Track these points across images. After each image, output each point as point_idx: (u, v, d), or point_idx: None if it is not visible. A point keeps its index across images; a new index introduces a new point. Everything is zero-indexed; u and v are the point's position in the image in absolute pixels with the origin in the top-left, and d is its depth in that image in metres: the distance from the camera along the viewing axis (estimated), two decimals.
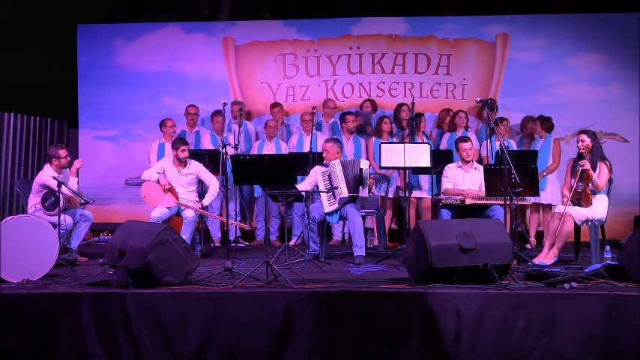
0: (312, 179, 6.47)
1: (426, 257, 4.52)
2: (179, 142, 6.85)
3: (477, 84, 8.46)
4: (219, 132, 7.78)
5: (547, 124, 7.46)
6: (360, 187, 6.25)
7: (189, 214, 6.54)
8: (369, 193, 6.40)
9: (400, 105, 7.92)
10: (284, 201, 6.72)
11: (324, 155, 6.55)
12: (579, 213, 5.83)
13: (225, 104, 6.51)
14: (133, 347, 4.34)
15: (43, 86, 8.40)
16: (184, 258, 4.78)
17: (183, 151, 6.73)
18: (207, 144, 7.90)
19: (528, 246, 7.01)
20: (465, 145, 6.64)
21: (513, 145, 7.60)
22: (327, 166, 6.40)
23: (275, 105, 8.26)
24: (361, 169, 6.27)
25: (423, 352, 4.26)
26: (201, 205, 6.73)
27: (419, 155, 6.32)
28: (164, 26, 8.80)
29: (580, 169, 5.79)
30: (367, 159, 7.62)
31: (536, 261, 5.79)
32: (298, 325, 4.32)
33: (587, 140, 5.87)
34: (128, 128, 8.80)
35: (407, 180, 6.61)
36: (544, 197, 7.31)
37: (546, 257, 5.81)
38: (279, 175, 5.18)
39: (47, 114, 9.01)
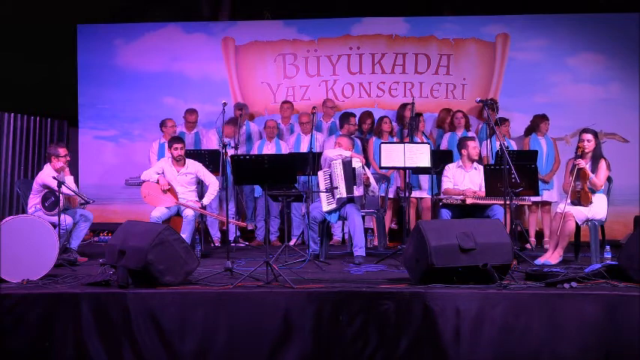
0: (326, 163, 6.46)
1: (426, 257, 4.52)
2: (172, 140, 6.87)
3: (477, 84, 8.46)
4: (230, 135, 7.63)
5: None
6: (354, 186, 6.25)
7: (189, 212, 6.54)
8: (367, 189, 6.37)
9: (405, 104, 7.92)
10: (284, 201, 6.71)
11: (336, 148, 6.56)
12: (580, 212, 5.84)
13: (225, 104, 6.50)
14: (133, 347, 4.34)
15: (43, 86, 8.41)
16: (184, 258, 4.78)
17: (176, 149, 6.72)
18: (211, 144, 7.89)
19: (528, 246, 7.02)
20: (473, 144, 6.65)
21: (513, 145, 7.60)
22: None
23: (285, 102, 8.30)
24: (353, 169, 6.27)
25: (422, 352, 4.26)
26: (201, 204, 6.73)
27: (419, 155, 6.32)
28: (164, 26, 8.80)
29: (576, 168, 5.80)
30: (366, 159, 7.65)
31: (541, 260, 5.80)
32: (298, 325, 4.32)
33: (593, 140, 5.89)
34: (128, 128, 8.80)
35: (407, 180, 6.61)
36: (546, 195, 7.35)
37: (551, 257, 5.83)
38: (279, 175, 5.18)
39: (47, 114, 9.02)
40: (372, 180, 6.41)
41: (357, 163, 6.33)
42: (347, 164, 6.26)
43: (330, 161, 6.36)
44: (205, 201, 6.79)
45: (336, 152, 6.42)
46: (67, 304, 4.42)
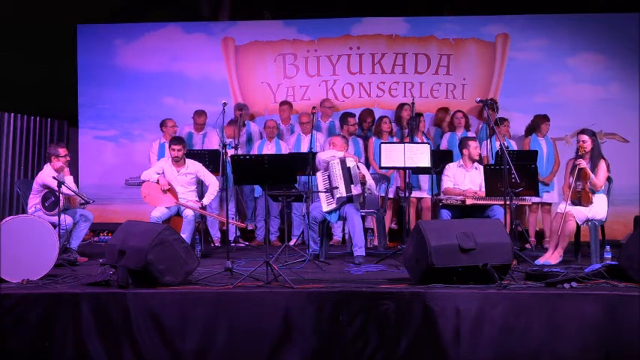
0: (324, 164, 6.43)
1: (426, 257, 4.52)
2: (172, 141, 6.88)
3: (477, 84, 8.46)
4: (231, 135, 7.61)
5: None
6: (352, 185, 6.25)
7: (189, 213, 6.54)
8: (364, 187, 6.37)
9: (402, 105, 7.93)
10: (284, 201, 6.71)
11: (330, 148, 6.54)
12: (580, 212, 5.85)
13: (225, 104, 6.50)
14: (133, 347, 4.34)
15: (43, 86, 8.41)
16: (184, 258, 4.78)
17: (174, 150, 6.73)
18: (208, 144, 7.90)
19: (528, 246, 7.01)
20: (474, 144, 6.67)
21: (513, 145, 7.60)
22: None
23: (284, 102, 8.28)
24: (349, 168, 6.27)
25: (422, 352, 4.26)
26: (201, 204, 6.73)
27: (419, 155, 6.32)
28: (164, 26, 8.80)
29: (577, 168, 5.81)
30: (367, 159, 7.66)
31: (541, 260, 5.81)
32: (298, 325, 4.32)
33: (589, 141, 5.90)
34: (128, 128, 8.80)
35: (407, 180, 6.61)
36: (546, 197, 7.35)
37: (552, 257, 5.83)
38: (279, 175, 5.18)
39: (47, 114, 9.02)
40: (368, 178, 6.40)
41: (350, 162, 6.33)
42: (343, 163, 6.27)
43: (323, 163, 6.36)
44: (205, 201, 6.79)
45: (328, 154, 6.42)
46: (67, 304, 4.42)
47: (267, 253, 5.02)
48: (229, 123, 7.67)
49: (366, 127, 8.07)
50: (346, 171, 6.22)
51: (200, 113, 8.09)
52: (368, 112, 8.15)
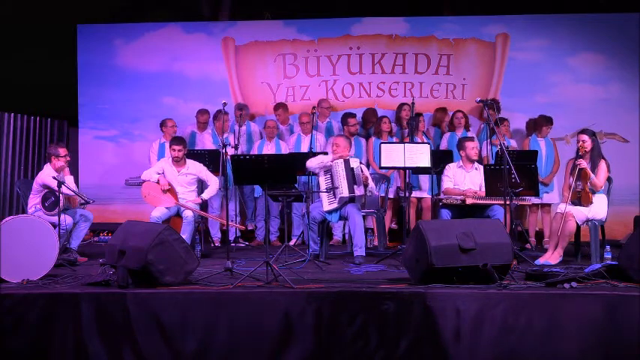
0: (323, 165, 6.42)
1: (426, 257, 4.52)
2: (172, 141, 6.88)
3: (477, 84, 8.46)
4: (220, 132, 7.74)
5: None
6: (355, 186, 6.25)
7: (189, 213, 6.54)
8: (366, 189, 6.37)
9: (402, 104, 7.93)
10: (284, 201, 6.72)
11: (333, 150, 6.53)
12: (580, 212, 5.85)
13: (225, 104, 6.50)
14: (133, 347, 4.34)
15: (43, 86, 8.41)
16: (184, 258, 4.78)
17: (174, 150, 6.73)
18: (208, 144, 7.91)
19: (528, 246, 7.02)
20: (472, 144, 6.65)
21: (513, 144, 7.60)
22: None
23: (279, 106, 8.26)
24: (352, 169, 6.27)
25: (422, 352, 4.26)
26: (201, 199, 6.72)
27: (419, 155, 6.32)
28: (164, 26, 8.80)
29: (577, 168, 5.81)
30: (367, 159, 7.65)
31: (541, 260, 5.81)
32: (298, 325, 4.32)
33: (589, 141, 5.90)
34: (128, 128, 8.80)
35: (407, 180, 6.61)
36: (546, 197, 7.34)
37: (552, 257, 5.83)
38: (279, 175, 5.18)
39: (47, 114, 9.03)
40: (370, 180, 6.41)
41: (354, 163, 6.33)
42: (347, 164, 6.27)
43: (317, 169, 6.34)
44: (205, 196, 6.76)
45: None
46: (67, 304, 4.42)
47: (267, 253, 5.02)
48: (215, 118, 7.71)
49: (369, 127, 8.05)
50: (349, 172, 6.23)
51: (203, 112, 8.10)
52: (372, 112, 8.13)
